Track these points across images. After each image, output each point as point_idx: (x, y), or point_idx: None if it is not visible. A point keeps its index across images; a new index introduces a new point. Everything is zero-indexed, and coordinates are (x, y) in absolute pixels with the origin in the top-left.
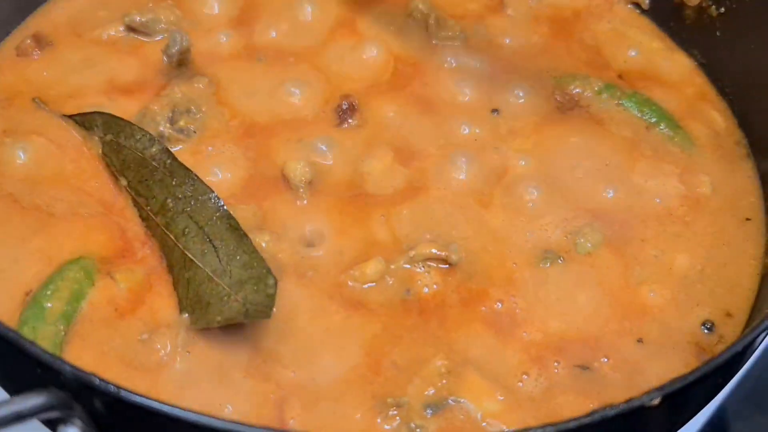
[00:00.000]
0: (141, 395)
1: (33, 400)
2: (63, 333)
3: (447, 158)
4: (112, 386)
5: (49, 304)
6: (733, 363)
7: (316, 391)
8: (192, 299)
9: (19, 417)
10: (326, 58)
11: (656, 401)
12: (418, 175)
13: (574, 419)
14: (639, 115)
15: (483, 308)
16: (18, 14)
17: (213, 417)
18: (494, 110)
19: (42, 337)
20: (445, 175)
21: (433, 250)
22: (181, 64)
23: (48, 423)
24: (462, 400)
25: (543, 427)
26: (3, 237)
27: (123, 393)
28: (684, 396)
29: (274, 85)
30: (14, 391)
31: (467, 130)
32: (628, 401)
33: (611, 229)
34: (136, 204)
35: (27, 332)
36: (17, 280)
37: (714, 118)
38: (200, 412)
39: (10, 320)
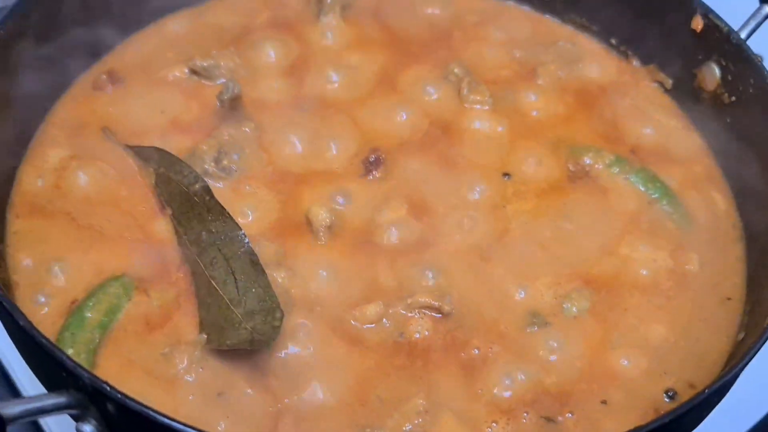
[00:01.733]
0: (141, 404)
1: (55, 399)
2: (98, 340)
3: (455, 217)
4: (119, 393)
5: (89, 314)
6: None
7: (308, 412)
8: (210, 322)
9: (42, 412)
10: (364, 113)
11: None
12: (427, 229)
13: None
14: (643, 189)
15: (462, 354)
16: (97, 52)
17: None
18: (506, 174)
19: (79, 342)
20: (452, 232)
21: (429, 300)
22: (233, 108)
23: (73, 417)
24: None
25: None
26: (58, 251)
27: (127, 401)
28: None
29: (312, 135)
30: (48, 386)
31: (477, 191)
32: None
33: (598, 295)
34: (176, 232)
35: (67, 337)
36: (66, 289)
37: (716, 199)
38: (187, 424)
39: (56, 323)
